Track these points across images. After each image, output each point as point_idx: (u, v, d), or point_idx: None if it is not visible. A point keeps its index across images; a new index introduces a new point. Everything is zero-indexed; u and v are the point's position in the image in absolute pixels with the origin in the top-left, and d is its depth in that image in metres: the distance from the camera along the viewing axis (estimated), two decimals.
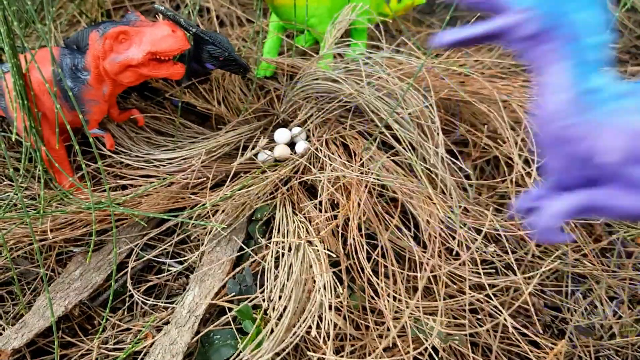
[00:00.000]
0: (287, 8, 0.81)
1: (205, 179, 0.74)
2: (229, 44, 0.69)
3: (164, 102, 0.80)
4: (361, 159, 0.75)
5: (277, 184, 0.74)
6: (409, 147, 0.75)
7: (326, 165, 0.72)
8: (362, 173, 0.70)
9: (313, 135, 0.79)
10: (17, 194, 0.72)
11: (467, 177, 0.80)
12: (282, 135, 0.79)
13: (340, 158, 0.75)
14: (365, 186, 0.70)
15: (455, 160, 0.75)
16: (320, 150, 0.76)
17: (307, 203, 0.70)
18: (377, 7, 0.98)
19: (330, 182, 0.71)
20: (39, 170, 0.71)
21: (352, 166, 0.73)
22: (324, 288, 0.60)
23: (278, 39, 0.87)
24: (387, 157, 0.73)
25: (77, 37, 0.69)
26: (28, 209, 0.70)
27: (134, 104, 0.78)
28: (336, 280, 0.61)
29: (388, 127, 0.76)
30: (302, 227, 0.67)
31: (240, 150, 0.75)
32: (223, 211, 0.71)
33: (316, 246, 0.63)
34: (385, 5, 0.99)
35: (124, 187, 0.74)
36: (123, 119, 0.74)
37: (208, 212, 0.70)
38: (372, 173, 0.70)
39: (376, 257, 0.67)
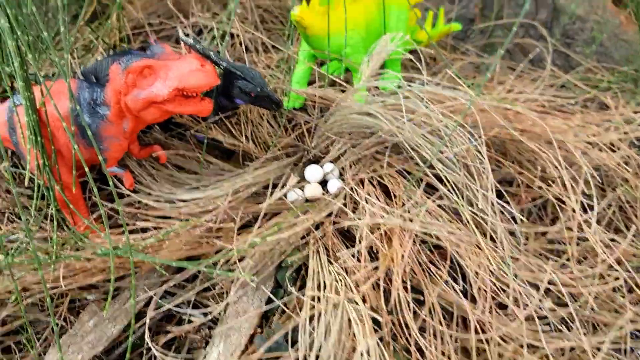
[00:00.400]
0: (319, 38, 0.76)
1: (231, 221, 0.68)
2: (262, 78, 0.63)
3: (187, 137, 0.75)
4: (402, 203, 0.69)
5: (309, 228, 0.68)
6: (454, 189, 0.69)
7: (363, 209, 0.66)
8: (405, 220, 0.64)
9: (347, 173, 0.73)
10: (27, 237, 0.66)
11: (515, 220, 0.73)
12: (313, 172, 0.73)
13: (379, 200, 0.69)
14: (409, 234, 0.63)
15: (504, 205, 0.69)
16: (356, 190, 0.70)
17: (344, 252, 0.63)
18: (412, 34, 0.93)
19: (368, 228, 0.65)
20: (52, 210, 0.65)
21: (393, 211, 0.67)
22: (367, 353, 0.53)
23: (309, 68, 0.82)
24: (432, 201, 0.67)
25: (95, 67, 0.63)
26: (39, 254, 0.65)
27: (156, 139, 0.73)
28: (381, 345, 0.55)
29: (430, 166, 0.70)
30: (340, 279, 0.61)
31: (270, 189, 0.69)
32: (251, 256, 0.65)
33: (357, 304, 0.57)
34: (419, 31, 0.94)
35: (144, 230, 0.68)
36: (144, 156, 0.69)
37: (234, 259, 0.64)
38: (416, 219, 0.64)
39: (422, 314, 0.60)
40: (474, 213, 0.68)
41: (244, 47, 0.93)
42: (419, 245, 0.66)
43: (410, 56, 0.74)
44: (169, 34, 0.95)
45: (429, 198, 0.68)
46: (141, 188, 0.69)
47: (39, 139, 0.62)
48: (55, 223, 0.64)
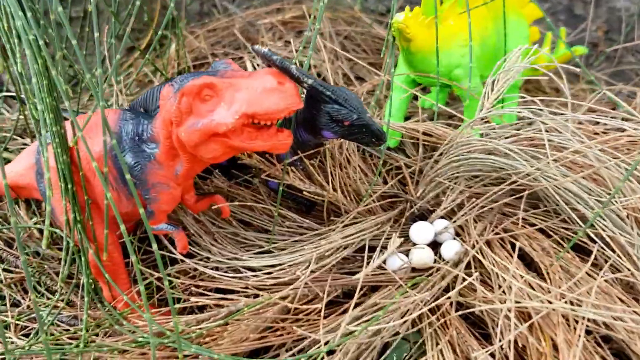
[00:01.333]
0: (424, 55, 0.59)
1: (314, 299, 0.50)
2: (360, 102, 0.47)
3: (255, 184, 0.58)
4: (554, 276, 0.49)
5: (422, 310, 0.49)
6: (623, 255, 0.49)
7: (505, 286, 0.46)
8: (567, 302, 0.44)
9: (468, 232, 0.54)
10: (49, 319, 0.51)
11: None
12: (422, 231, 0.54)
13: (519, 271, 0.49)
14: (574, 326, 0.43)
15: None
16: (486, 256, 0.51)
17: (479, 352, 0.44)
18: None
19: (508, 315, 0.45)
20: (83, 280, 0.50)
21: (538, 288, 0.47)
22: None
23: (407, 98, 0.65)
24: (601, 277, 0.46)
25: (145, 98, 0.49)
26: (64, 340, 0.49)
27: (216, 187, 0.57)
28: None
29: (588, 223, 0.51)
30: None
31: (366, 253, 0.51)
32: (344, 351, 0.46)
33: None
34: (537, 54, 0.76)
35: (201, 309, 0.51)
36: (202, 209, 0.53)
37: (322, 354, 0.46)
38: (585, 301, 0.44)
39: None
40: None
41: (323, 78, 0.78)
42: (584, 338, 0.45)
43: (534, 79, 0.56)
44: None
45: (592, 271, 0.48)
46: (196, 251, 0.53)
47: (69, 186, 0.48)
48: (87, 300, 0.48)
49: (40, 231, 0.61)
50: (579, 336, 0.42)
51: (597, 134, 0.56)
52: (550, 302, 0.44)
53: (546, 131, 0.53)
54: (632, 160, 0.48)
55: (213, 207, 0.52)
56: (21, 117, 0.67)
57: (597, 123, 0.58)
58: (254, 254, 0.52)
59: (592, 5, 0.90)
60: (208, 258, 0.52)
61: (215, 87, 0.41)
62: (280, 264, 0.50)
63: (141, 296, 0.53)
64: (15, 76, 0.58)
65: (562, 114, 0.55)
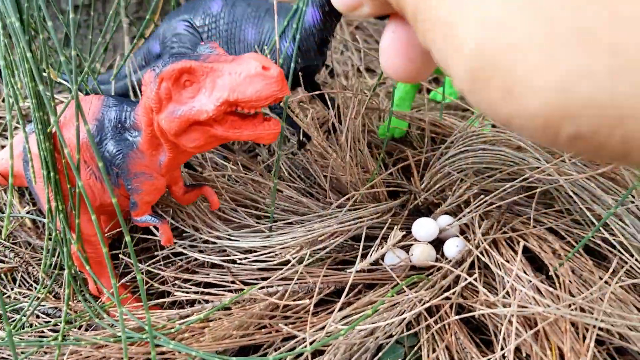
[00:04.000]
0: None
1: (305, 294, 0.47)
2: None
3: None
4: (563, 279, 0.45)
5: (420, 311, 0.46)
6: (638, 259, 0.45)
7: (509, 288, 0.43)
8: (576, 309, 0.40)
9: (472, 230, 0.51)
10: (30, 308, 0.49)
11: None
12: (424, 228, 0.51)
13: (526, 274, 0.46)
14: (584, 335, 0.40)
15: None
16: (490, 256, 0.47)
17: None
18: None
19: (511, 319, 0.42)
20: (66, 272, 0.48)
21: (545, 292, 0.43)
22: None
23: (414, 87, 0.62)
24: (615, 279, 0.43)
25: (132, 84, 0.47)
26: (43, 335, 0.47)
27: (205, 179, 0.55)
28: None
29: (592, 223, 0.47)
30: None
31: (362, 243, 0.48)
32: (333, 353, 0.44)
33: None
34: None
35: (191, 303, 0.49)
36: (190, 201, 0.50)
37: (307, 354, 0.43)
38: (597, 308, 0.40)
39: None
40: None
41: (328, 70, 0.75)
42: (594, 348, 0.42)
43: None
44: None
45: (606, 273, 0.44)
46: (185, 228, 0.51)
47: (52, 174, 0.46)
48: (67, 290, 0.46)
49: (33, 221, 0.60)
50: (589, 346, 0.39)
51: None
52: (558, 308, 0.40)
53: None
54: None
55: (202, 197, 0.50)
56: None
57: None
58: (245, 232, 0.50)
59: None
60: (194, 238, 0.50)
61: (195, 71, 0.38)
62: (270, 246, 0.48)
63: (127, 289, 0.52)
64: None
65: None
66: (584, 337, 0.40)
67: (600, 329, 0.41)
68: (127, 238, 0.37)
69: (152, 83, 0.40)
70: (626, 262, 0.44)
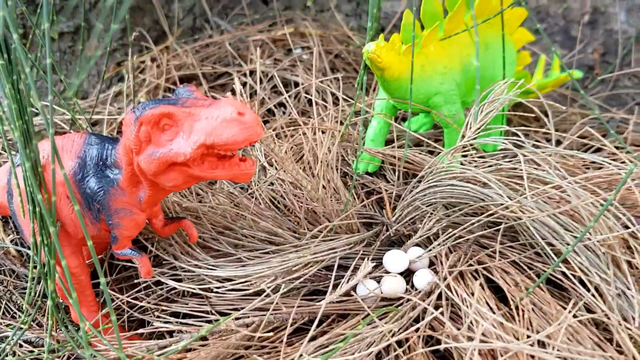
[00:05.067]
0: (400, 83, 0.58)
1: (280, 324, 0.49)
2: None
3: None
4: (522, 310, 0.47)
5: (389, 341, 0.48)
6: (599, 294, 0.47)
7: (471, 321, 0.45)
8: (534, 344, 0.43)
9: (440, 262, 0.53)
10: (14, 338, 0.50)
11: None
12: (395, 260, 0.54)
13: (488, 305, 0.48)
14: None
15: None
16: (455, 290, 0.50)
17: None
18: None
19: (474, 350, 0.44)
20: (49, 302, 0.50)
21: (510, 325, 0.46)
22: None
23: (387, 123, 0.64)
24: (571, 314, 0.45)
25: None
26: None
27: (186, 209, 0.57)
28: None
29: (563, 260, 0.49)
30: None
31: (334, 273, 0.50)
32: None
33: None
34: (529, 79, 0.75)
35: (171, 333, 0.50)
36: (169, 233, 0.52)
37: None
38: (552, 343, 0.42)
39: None
40: (632, 332, 0.45)
41: (307, 99, 0.78)
42: None
43: (522, 109, 0.55)
44: (224, 83, 0.81)
45: (564, 308, 0.47)
46: (164, 257, 0.53)
47: (37, 208, 0.48)
48: (50, 321, 0.48)
49: (17, 250, 0.61)
50: None
51: (585, 166, 0.54)
52: (517, 343, 0.43)
53: (527, 162, 0.52)
54: (610, 196, 0.46)
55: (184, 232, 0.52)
56: None
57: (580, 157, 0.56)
58: (223, 261, 0.51)
59: (589, 28, 0.89)
60: (173, 266, 0.52)
61: (173, 116, 0.41)
62: (246, 275, 0.50)
63: (108, 318, 0.53)
64: None
65: (545, 146, 0.54)
66: None
67: None
68: (102, 280, 0.39)
69: (132, 125, 0.42)
70: (583, 296, 0.47)
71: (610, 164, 0.49)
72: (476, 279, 0.51)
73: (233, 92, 0.80)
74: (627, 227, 0.48)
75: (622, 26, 0.87)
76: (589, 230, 0.47)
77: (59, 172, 0.46)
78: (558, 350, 0.42)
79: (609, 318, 0.46)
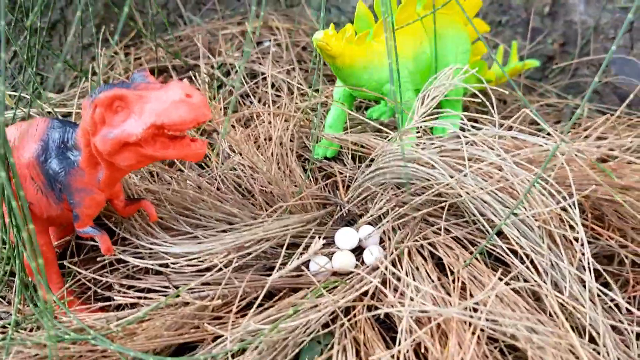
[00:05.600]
0: (353, 70, 0.61)
1: (231, 297, 0.52)
2: None
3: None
4: (460, 281, 0.51)
5: (336, 312, 0.51)
6: (534, 266, 0.50)
7: (408, 292, 0.48)
8: (465, 308, 0.46)
9: (389, 238, 0.56)
10: None
11: (620, 311, 0.53)
12: (346, 237, 0.57)
13: (430, 277, 0.51)
14: (473, 331, 0.45)
15: (605, 290, 0.49)
16: (400, 264, 0.53)
17: (382, 353, 0.46)
18: (478, 72, 0.76)
19: (413, 318, 0.47)
20: (17, 278, 0.52)
21: (446, 294, 0.49)
22: None
23: (343, 111, 0.67)
24: (504, 282, 0.48)
25: None
26: None
27: (149, 190, 0.60)
28: None
29: (502, 235, 0.52)
30: None
31: (283, 250, 0.54)
32: (255, 350, 0.48)
33: None
34: (486, 69, 0.78)
35: (134, 306, 0.53)
36: (130, 213, 0.55)
37: (229, 355, 0.48)
38: (482, 308, 0.46)
39: None
40: (563, 301, 0.49)
41: (274, 88, 0.81)
42: (486, 345, 0.47)
43: (479, 97, 0.58)
44: (194, 75, 0.84)
45: (500, 279, 0.50)
46: (129, 239, 0.56)
47: (6, 192, 0.50)
48: (16, 299, 0.51)
49: None
50: (473, 339, 0.44)
51: (518, 150, 0.57)
52: (448, 309, 0.46)
53: (469, 144, 0.55)
54: (538, 171, 0.49)
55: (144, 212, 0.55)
56: None
57: (519, 138, 0.59)
58: (181, 239, 0.54)
59: (550, 19, 0.92)
60: (134, 244, 0.55)
61: (126, 98, 0.44)
62: (200, 252, 0.53)
63: (74, 294, 0.56)
64: None
65: (486, 129, 0.57)
66: (473, 335, 0.46)
67: (493, 329, 0.47)
68: (40, 261, 0.42)
69: (88, 108, 0.45)
70: (517, 267, 0.50)
71: (546, 144, 0.52)
72: (421, 254, 0.54)
73: (191, 80, 0.82)
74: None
75: (581, 17, 0.90)
76: (521, 204, 0.50)
77: (23, 154, 0.49)
78: (487, 314, 0.45)
79: (540, 287, 0.49)
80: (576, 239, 0.49)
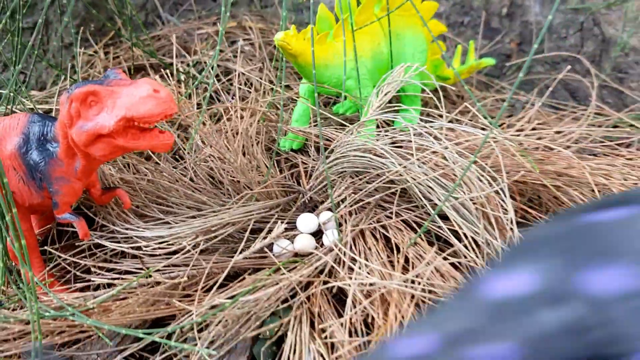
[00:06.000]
0: (316, 68, 0.66)
1: (200, 277, 0.57)
2: None
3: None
4: (406, 258, 0.56)
5: (295, 288, 0.56)
6: (472, 244, 0.56)
7: (356, 268, 0.54)
8: (405, 281, 0.51)
9: (346, 222, 0.62)
10: None
11: None
12: (307, 221, 0.62)
13: (380, 256, 0.57)
14: (412, 298, 0.50)
15: None
16: (353, 244, 0.58)
17: (333, 321, 0.51)
18: (435, 70, 0.82)
19: (363, 292, 0.52)
20: (1, 262, 0.57)
21: (392, 270, 0.54)
22: None
23: (308, 106, 0.72)
24: (442, 257, 0.54)
25: None
26: None
27: (124, 180, 0.64)
28: None
29: (444, 216, 0.58)
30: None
31: (247, 234, 0.59)
32: (218, 324, 0.53)
33: None
34: (444, 67, 0.83)
35: (109, 286, 0.58)
36: (106, 201, 0.60)
37: (194, 327, 0.53)
38: (419, 281, 0.51)
39: None
40: None
41: (247, 85, 0.85)
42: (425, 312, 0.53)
43: (431, 94, 0.63)
44: (168, 73, 0.88)
45: (440, 254, 0.55)
46: (105, 225, 0.60)
47: None
48: (1, 280, 0.55)
49: None
50: (410, 307, 0.50)
51: (461, 138, 0.63)
52: (390, 280, 0.51)
53: (417, 135, 0.61)
54: (472, 158, 0.55)
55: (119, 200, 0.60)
56: None
57: (460, 130, 0.65)
58: (153, 224, 0.59)
59: (507, 19, 0.98)
60: (110, 230, 0.60)
61: (98, 94, 0.48)
62: (170, 235, 0.58)
63: (54, 277, 0.61)
64: None
65: (432, 122, 0.62)
66: (411, 301, 0.51)
67: (430, 299, 0.52)
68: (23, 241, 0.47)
69: (65, 103, 0.49)
70: (454, 246, 0.55)
71: (482, 134, 0.58)
72: (374, 236, 0.60)
73: (163, 77, 0.86)
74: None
75: (536, 17, 0.96)
76: (460, 188, 0.56)
77: (6, 147, 0.54)
78: (424, 285, 0.50)
79: (476, 263, 0.54)
80: (509, 220, 0.54)
